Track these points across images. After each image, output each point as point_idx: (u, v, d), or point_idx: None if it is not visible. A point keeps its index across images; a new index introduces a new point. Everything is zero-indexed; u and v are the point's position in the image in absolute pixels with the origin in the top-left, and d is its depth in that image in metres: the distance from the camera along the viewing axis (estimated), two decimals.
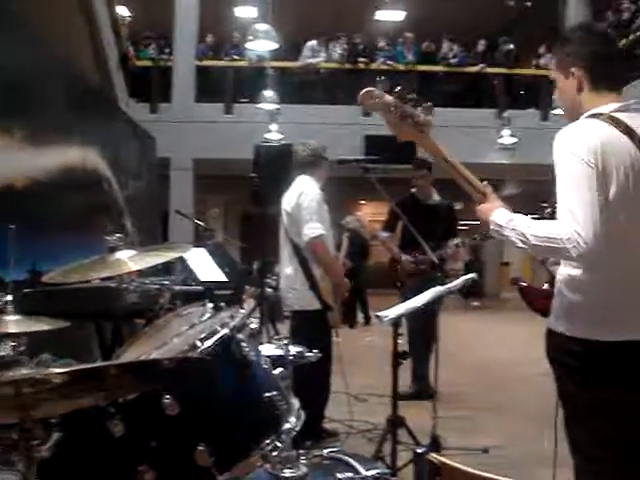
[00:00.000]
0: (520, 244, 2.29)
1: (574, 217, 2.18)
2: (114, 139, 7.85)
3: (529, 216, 2.38)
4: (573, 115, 2.49)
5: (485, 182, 2.56)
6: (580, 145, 2.28)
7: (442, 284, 4.28)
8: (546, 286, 2.76)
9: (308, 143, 5.04)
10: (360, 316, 13.28)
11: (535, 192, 15.38)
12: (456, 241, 6.41)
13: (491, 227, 2.43)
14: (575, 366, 2.36)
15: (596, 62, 2.46)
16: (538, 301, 2.80)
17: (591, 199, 2.20)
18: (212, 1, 15.33)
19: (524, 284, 2.90)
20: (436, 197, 6.61)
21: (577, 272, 2.35)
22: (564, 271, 2.40)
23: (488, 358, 9.27)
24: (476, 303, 18.48)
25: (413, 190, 6.68)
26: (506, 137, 13.90)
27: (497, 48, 16.20)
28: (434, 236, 6.02)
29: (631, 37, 12.92)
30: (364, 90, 2.43)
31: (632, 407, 2.32)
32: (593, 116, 2.38)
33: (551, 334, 2.45)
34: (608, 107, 2.39)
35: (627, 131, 2.32)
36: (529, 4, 16.95)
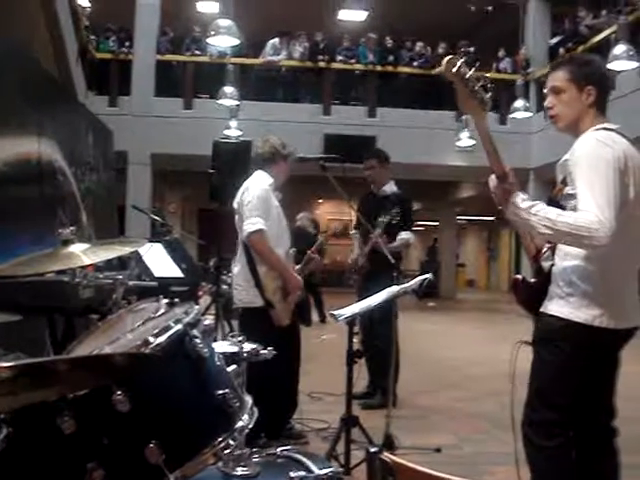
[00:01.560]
0: (544, 229, 2.55)
1: (602, 211, 2.46)
2: (71, 131, 7.75)
3: None
4: (572, 125, 2.82)
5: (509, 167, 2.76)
6: (608, 150, 2.60)
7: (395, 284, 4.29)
8: (534, 279, 2.93)
9: (268, 138, 4.97)
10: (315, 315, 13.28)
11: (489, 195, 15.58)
12: (404, 235, 6.19)
13: (509, 208, 2.67)
14: (577, 349, 2.70)
15: (604, 89, 2.85)
16: (529, 296, 2.91)
17: (615, 197, 2.51)
18: None
19: (518, 276, 3.01)
20: (389, 189, 6.45)
21: (588, 264, 2.66)
22: (572, 263, 2.69)
23: (442, 358, 9.34)
24: (432, 304, 18.61)
25: (373, 187, 6.59)
26: (464, 139, 14.00)
27: (457, 51, 16.31)
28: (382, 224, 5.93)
29: (588, 44, 13.13)
30: (448, 57, 2.56)
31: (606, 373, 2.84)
32: (606, 129, 2.72)
33: (556, 319, 2.72)
34: (613, 126, 2.77)
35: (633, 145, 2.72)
36: (490, 9, 17.11)
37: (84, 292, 4.22)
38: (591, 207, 2.48)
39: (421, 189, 18.40)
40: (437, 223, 24.91)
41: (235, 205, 4.83)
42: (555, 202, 2.73)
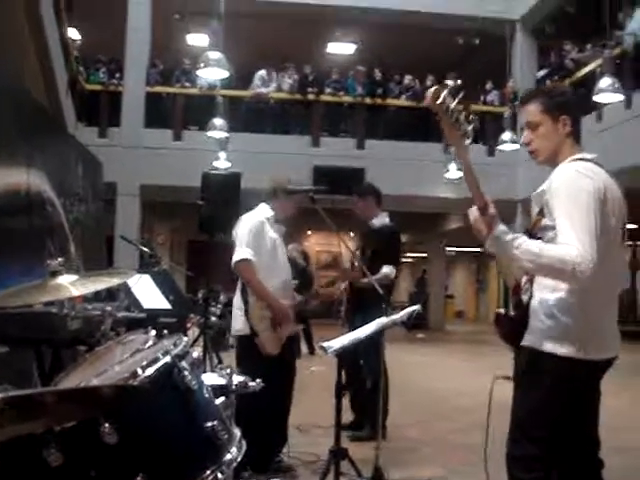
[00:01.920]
0: (526, 263, 2.56)
1: (583, 244, 2.45)
2: (60, 162, 7.75)
3: None
4: (551, 157, 2.81)
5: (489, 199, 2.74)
6: (588, 182, 2.59)
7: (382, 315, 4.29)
8: (514, 312, 2.89)
9: (274, 175, 5.13)
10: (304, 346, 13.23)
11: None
12: (385, 269, 6.12)
13: (489, 241, 2.65)
14: (558, 381, 2.67)
15: (577, 118, 2.86)
16: (510, 329, 2.88)
17: (596, 229, 2.50)
18: (164, 27, 15.35)
19: (500, 311, 3.00)
20: (378, 221, 6.48)
21: (569, 296, 2.62)
22: (554, 295, 2.65)
23: (431, 389, 9.31)
24: (421, 335, 18.59)
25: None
26: (452, 171, 14.07)
27: (442, 82, 16.44)
28: (366, 259, 5.99)
29: (574, 77, 13.27)
30: (434, 87, 2.58)
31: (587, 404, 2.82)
32: (583, 160, 2.72)
33: (538, 355, 2.69)
34: (590, 155, 2.76)
35: (611, 176, 2.72)
36: (477, 41, 17.30)
37: (72, 323, 4.19)
38: (572, 240, 2.47)
39: (410, 221, 18.45)
40: (426, 255, 24.95)
41: (233, 236, 4.91)
42: (533, 234, 2.70)
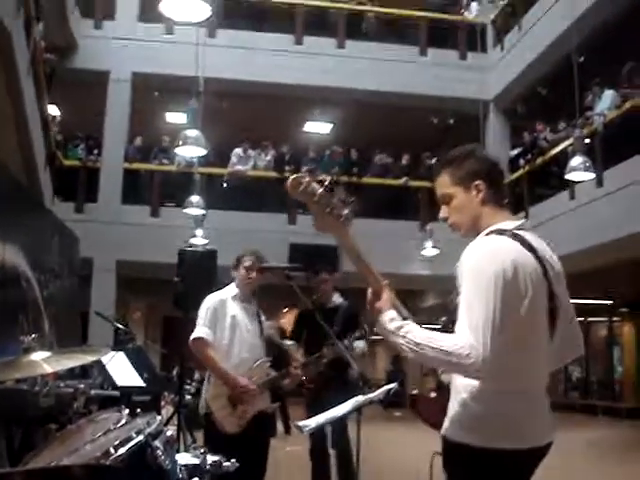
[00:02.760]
0: (409, 353, 2.32)
1: (476, 334, 2.23)
2: (36, 237, 7.74)
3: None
4: (472, 229, 2.58)
5: (387, 281, 2.57)
6: (493, 260, 2.35)
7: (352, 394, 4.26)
8: (433, 394, 2.75)
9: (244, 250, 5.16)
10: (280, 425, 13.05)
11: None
12: (359, 344, 6.10)
13: (378, 328, 2.45)
14: (477, 473, 2.40)
15: (493, 179, 2.58)
16: (430, 412, 2.75)
17: (494, 317, 2.26)
18: (143, 105, 15.53)
19: (415, 392, 2.88)
20: (337, 300, 6.56)
21: (479, 383, 2.37)
22: (466, 382, 2.41)
23: (408, 469, 9.18)
24: (398, 413, 18.40)
25: (315, 296, 6.56)
26: (428, 249, 14.17)
27: (421, 162, 16.72)
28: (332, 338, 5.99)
29: (546, 156, 13.52)
30: (293, 177, 2.45)
31: None
32: (498, 232, 2.47)
33: (451, 444, 2.47)
34: (509, 224, 2.51)
35: (531, 249, 2.44)
36: (451, 121, 17.62)
37: (44, 401, 4.14)
38: (465, 330, 2.26)
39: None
40: None
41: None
42: (450, 311, 2.50)
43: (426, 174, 16.23)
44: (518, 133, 15.95)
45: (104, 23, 15.32)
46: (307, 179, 2.44)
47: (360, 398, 4.17)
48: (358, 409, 4.18)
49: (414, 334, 2.33)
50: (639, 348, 18.71)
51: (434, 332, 2.33)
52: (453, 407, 2.48)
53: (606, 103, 11.95)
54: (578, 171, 9.40)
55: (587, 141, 11.59)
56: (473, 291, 2.32)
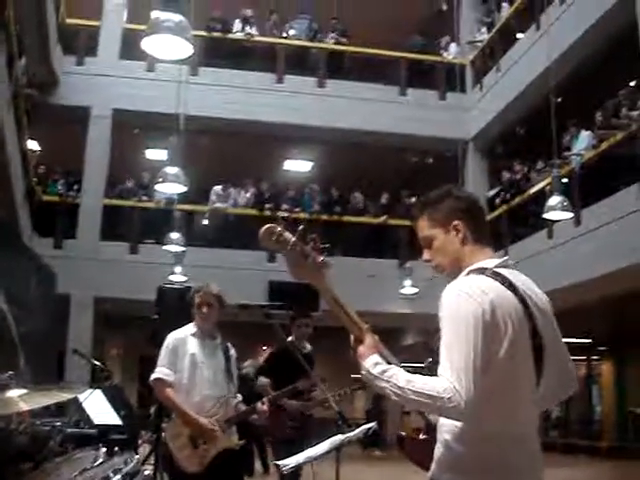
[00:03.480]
0: (394, 396, 2.30)
1: (458, 376, 2.22)
2: (13, 272, 7.68)
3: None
4: (455, 269, 2.56)
5: (367, 325, 2.56)
6: (470, 301, 2.32)
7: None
8: (423, 436, 2.71)
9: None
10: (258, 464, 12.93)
11: (435, 342, 15.63)
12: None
13: (362, 372, 2.42)
14: None
15: (473, 217, 2.58)
16: (419, 453, 2.72)
17: (474, 359, 2.24)
18: (123, 141, 15.55)
19: (403, 434, 2.87)
20: (308, 346, 6.63)
21: (462, 425, 2.35)
22: (449, 422, 2.39)
23: None
24: (377, 452, 18.28)
25: (291, 338, 6.51)
26: (408, 287, 14.20)
27: (400, 201, 16.81)
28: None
29: (524, 195, 13.64)
30: (265, 226, 2.48)
31: None
32: (478, 271, 2.45)
33: None
34: (490, 262, 2.49)
35: (511, 287, 2.41)
36: (430, 160, 17.76)
37: (18, 439, 4.07)
38: (446, 373, 2.25)
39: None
40: None
41: None
42: (433, 350, 2.48)
43: (405, 213, 16.33)
44: (497, 173, 16.10)
45: (86, 59, 15.37)
46: (279, 229, 2.46)
47: (338, 437, 4.14)
48: (337, 448, 4.15)
49: (397, 378, 2.31)
50: (618, 387, 18.77)
51: (417, 376, 2.31)
52: (438, 449, 2.46)
53: (583, 143, 12.11)
54: (556, 210, 9.47)
55: (565, 181, 11.70)
56: (451, 333, 2.31)
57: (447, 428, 2.41)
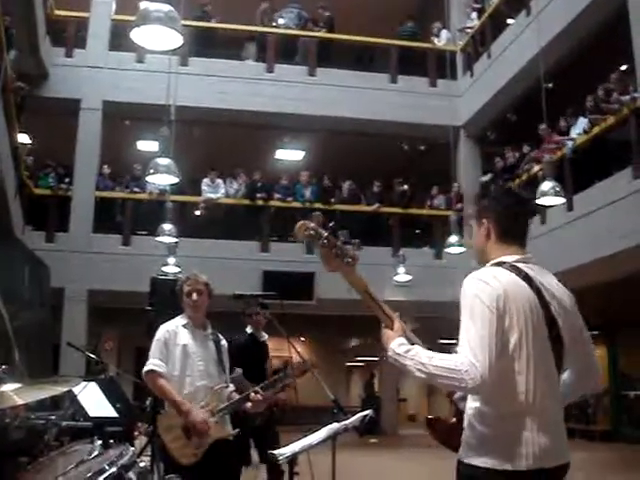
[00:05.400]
0: (417, 373, 2.54)
1: (474, 353, 2.45)
2: (6, 267, 7.66)
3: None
4: (482, 259, 2.87)
5: (397, 313, 2.84)
6: (485, 290, 2.58)
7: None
8: (454, 420, 2.89)
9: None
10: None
11: (429, 328, 15.65)
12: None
13: (388, 353, 2.66)
14: None
15: (504, 218, 2.84)
16: (447, 435, 2.88)
17: (489, 339, 2.48)
18: (115, 133, 15.50)
19: (432, 417, 2.99)
20: (265, 335, 6.72)
21: (484, 406, 2.59)
22: (473, 405, 2.63)
23: None
24: (373, 440, 18.34)
25: (250, 329, 6.64)
26: (401, 275, 14.21)
27: (392, 189, 16.80)
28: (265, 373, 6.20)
29: (517, 181, 13.65)
30: (301, 222, 2.72)
31: None
32: (497, 264, 2.73)
33: (463, 466, 2.63)
34: (510, 257, 2.76)
35: (526, 279, 2.67)
36: (422, 148, 17.75)
37: (13, 433, 4.06)
38: (465, 350, 2.49)
39: (360, 324, 18.47)
40: (377, 358, 24.86)
41: None
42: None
43: (398, 200, 16.33)
44: (489, 159, 16.11)
45: (75, 51, 15.29)
46: (312, 224, 2.70)
47: (335, 425, 4.15)
48: (333, 436, 4.16)
49: (419, 355, 2.56)
50: (612, 372, 18.82)
51: (437, 353, 2.56)
52: (465, 431, 2.68)
53: (579, 129, 12.11)
54: (548, 196, 9.48)
55: (557, 166, 11.71)
56: (469, 316, 2.55)
57: (471, 411, 2.65)
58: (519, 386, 2.55)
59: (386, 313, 2.81)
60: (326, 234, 2.68)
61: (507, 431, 2.55)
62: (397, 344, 2.66)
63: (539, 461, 2.54)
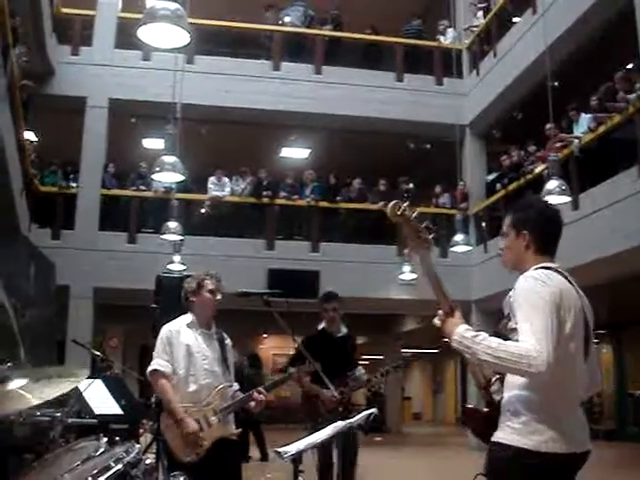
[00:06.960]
0: (485, 357, 2.70)
1: (539, 342, 2.63)
2: (12, 263, 7.67)
3: None
4: (515, 267, 3.05)
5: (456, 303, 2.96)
6: (544, 288, 2.79)
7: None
8: (486, 409, 3.08)
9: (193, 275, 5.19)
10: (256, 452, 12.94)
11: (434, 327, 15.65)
12: (363, 373, 6.42)
13: (454, 338, 2.82)
14: (524, 475, 2.77)
15: (545, 235, 3.05)
16: (482, 424, 3.06)
17: (552, 330, 2.68)
18: (120, 131, 15.51)
19: (469, 406, 3.25)
20: (344, 329, 6.63)
21: (532, 393, 2.79)
22: (518, 393, 2.82)
23: None
24: (378, 438, 18.33)
25: (323, 324, 6.64)
26: (407, 273, 14.19)
27: (397, 187, 16.77)
28: (343, 369, 6.15)
29: (522, 180, 13.63)
30: (394, 202, 2.86)
31: None
32: (545, 268, 2.91)
33: (500, 447, 2.83)
34: (551, 264, 2.96)
35: (571, 283, 2.92)
36: (428, 146, 17.73)
37: (19, 430, 4.07)
38: (530, 338, 2.65)
39: (365, 322, 18.47)
40: (382, 356, 24.83)
41: None
42: (502, 335, 2.84)
43: (403, 199, 16.28)
44: (494, 157, 16.08)
45: (81, 49, 15.32)
46: (404, 206, 2.85)
47: (340, 423, 4.15)
48: (338, 434, 4.16)
49: (489, 341, 2.72)
50: (617, 370, 18.79)
51: (504, 340, 2.74)
52: (506, 416, 2.86)
53: (583, 127, 12.06)
54: (554, 195, 9.45)
55: (563, 165, 11.67)
56: (531, 310, 2.74)
57: (515, 399, 2.84)
58: (565, 376, 2.76)
59: (449, 301, 2.94)
60: (414, 214, 2.86)
61: (554, 416, 2.78)
62: (464, 329, 2.82)
63: (574, 446, 2.81)
